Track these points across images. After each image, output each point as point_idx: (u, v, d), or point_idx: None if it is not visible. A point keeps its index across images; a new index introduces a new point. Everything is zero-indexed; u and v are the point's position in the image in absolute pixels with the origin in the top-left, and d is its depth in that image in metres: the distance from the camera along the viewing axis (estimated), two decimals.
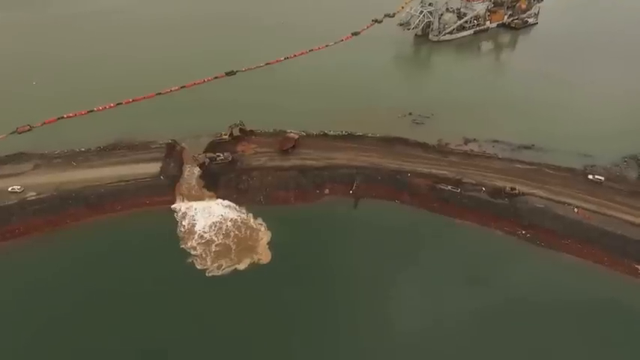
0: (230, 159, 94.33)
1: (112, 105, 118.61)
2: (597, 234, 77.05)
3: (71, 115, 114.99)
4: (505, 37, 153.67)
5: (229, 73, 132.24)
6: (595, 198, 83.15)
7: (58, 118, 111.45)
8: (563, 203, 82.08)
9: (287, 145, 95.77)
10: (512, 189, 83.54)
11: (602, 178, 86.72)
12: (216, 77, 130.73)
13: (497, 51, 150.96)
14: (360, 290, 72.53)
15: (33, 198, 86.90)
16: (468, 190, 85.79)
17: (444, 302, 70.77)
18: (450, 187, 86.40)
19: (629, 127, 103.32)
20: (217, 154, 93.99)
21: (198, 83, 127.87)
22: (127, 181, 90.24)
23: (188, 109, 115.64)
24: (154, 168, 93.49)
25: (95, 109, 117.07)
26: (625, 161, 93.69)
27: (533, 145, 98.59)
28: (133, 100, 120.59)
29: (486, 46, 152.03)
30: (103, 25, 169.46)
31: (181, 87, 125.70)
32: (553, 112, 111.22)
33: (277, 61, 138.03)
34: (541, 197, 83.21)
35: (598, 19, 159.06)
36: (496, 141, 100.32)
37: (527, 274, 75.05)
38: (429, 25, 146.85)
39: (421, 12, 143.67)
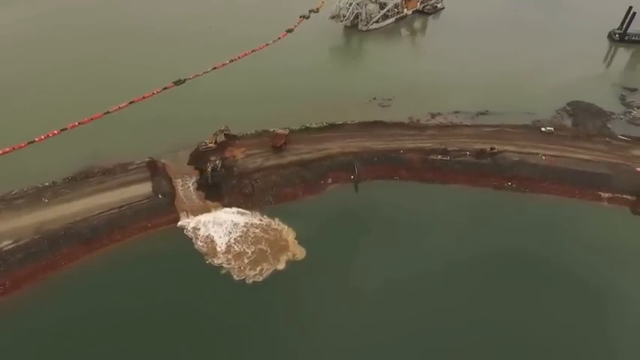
0: (220, 165, 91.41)
1: (55, 132, 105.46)
2: (564, 173, 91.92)
3: (8, 150, 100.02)
4: (422, 22, 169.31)
5: (178, 82, 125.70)
6: (552, 145, 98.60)
7: None
8: (532, 154, 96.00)
9: (279, 142, 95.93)
10: (492, 148, 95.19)
11: (552, 129, 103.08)
12: (165, 88, 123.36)
13: (420, 34, 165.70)
14: (398, 263, 77.04)
15: (11, 247, 74.96)
16: (455, 156, 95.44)
17: (464, 253, 78.60)
18: (439, 157, 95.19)
19: (547, 88, 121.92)
20: (215, 162, 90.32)
21: (148, 97, 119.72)
22: (120, 207, 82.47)
23: (146, 124, 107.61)
24: (144, 189, 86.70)
25: (36, 139, 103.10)
26: (558, 113, 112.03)
27: (487, 111, 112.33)
28: (80, 124, 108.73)
29: (408, 31, 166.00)
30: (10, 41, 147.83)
31: (130, 102, 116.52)
32: (485, 81, 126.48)
33: (223, 64, 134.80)
34: (514, 152, 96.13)
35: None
36: (457, 112, 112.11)
37: (521, 217, 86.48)
38: (357, 16, 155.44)
39: (350, 4, 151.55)
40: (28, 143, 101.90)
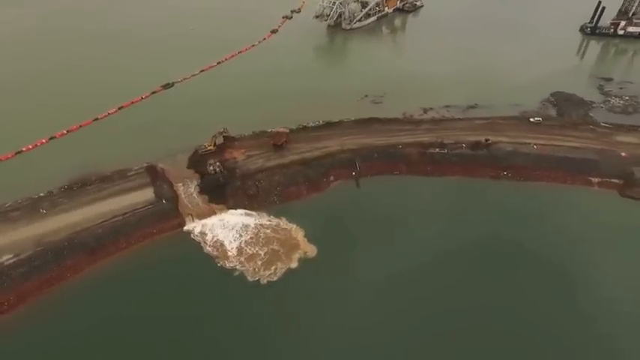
0: (220, 167, 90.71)
1: (43, 141, 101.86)
2: (556, 161, 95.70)
3: None
4: (403, 20, 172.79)
5: (166, 86, 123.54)
6: (542, 134, 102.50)
7: None
8: (524, 143, 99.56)
9: (280, 140, 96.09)
10: (487, 140, 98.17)
11: (540, 119, 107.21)
12: (153, 92, 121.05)
13: (402, 32, 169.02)
14: (408, 254, 78.33)
15: (12, 261, 72.06)
16: (452, 149, 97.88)
17: (470, 242, 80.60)
18: (437, 150, 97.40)
19: (530, 81, 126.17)
20: (216, 165, 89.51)
21: (137, 101, 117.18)
22: (124, 214, 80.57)
23: (138, 129, 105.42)
24: (146, 194, 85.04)
25: (23, 149, 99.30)
26: (543, 104, 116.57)
27: (476, 104, 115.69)
28: (68, 131, 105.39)
29: (390, 29, 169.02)
30: None
31: (119, 108, 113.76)
32: (470, 76, 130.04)
33: (211, 67, 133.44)
34: (507, 142, 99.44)
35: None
36: (447, 106, 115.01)
37: (520, 204, 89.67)
38: (340, 15, 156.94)
39: (333, 3, 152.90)
40: (16, 153, 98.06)
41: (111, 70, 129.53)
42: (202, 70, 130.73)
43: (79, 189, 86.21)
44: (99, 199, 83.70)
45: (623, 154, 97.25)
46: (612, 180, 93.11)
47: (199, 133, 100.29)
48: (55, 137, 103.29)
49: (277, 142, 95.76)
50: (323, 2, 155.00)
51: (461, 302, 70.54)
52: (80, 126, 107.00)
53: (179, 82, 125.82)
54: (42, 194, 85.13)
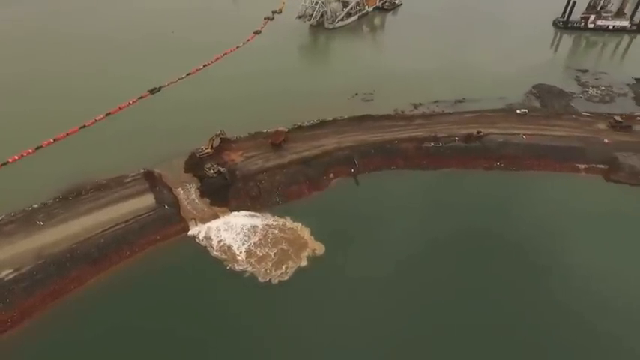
0: (218, 169, 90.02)
1: (29, 151, 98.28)
2: (544, 150, 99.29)
3: None
4: (383, 18, 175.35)
5: (153, 91, 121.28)
6: (529, 125, 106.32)
7: None
8: (514, 134, 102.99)
9: (279, 139, 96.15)
10: (479, 132, 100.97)
11: (526, 110, 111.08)
12: (140, 97, 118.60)
13: (384, 30, 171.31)
14: (414, 246, 79.89)
15: (13, 275, 69.37)
16: (446, 142, 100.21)
17: (471, 227, 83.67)
18: (432, 144, 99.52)
19: (511, 74, 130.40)
20: (213, 166, 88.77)
21: (124, 107, 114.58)
22: (126, 222, 78.81)
23: (129, 135, 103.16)
24: (146, 201, 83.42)
25: (9, 160, 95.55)
26: (527, 96, 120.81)
27: (464, 99, 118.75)
28: (55, 140, 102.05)
29: (372, 27, 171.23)
30: None
31: (106, 114, 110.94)
32: (455, 71, 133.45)
33: (197, 70, 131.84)
34: (497, 134, 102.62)
35: None
36: (436, 101, 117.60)
37: (514, 193, 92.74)
38: (323, 15, 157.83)
39: (316, 3, 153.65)
40: (1, 165, 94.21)
41: (94, 76, 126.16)
42: (189, 74, 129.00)
43: (74, 199, 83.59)
44: (97, 208, 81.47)
45: (605, 140, 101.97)
46: (598, 166, 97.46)
47: (191, 137, 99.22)
48: (41, 147, 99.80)
49: (276, 141, 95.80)
50: (305, 2, 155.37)
51: (467, 289, 72.57)
52: (67, 134, 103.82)
53: (166, 86, 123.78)
54: (35, 206, 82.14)
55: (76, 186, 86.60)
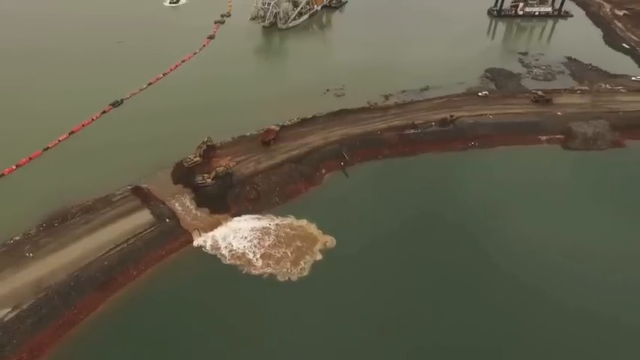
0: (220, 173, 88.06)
1: None
2: (510, 127, 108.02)
3: None
4: (332, 16, 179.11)
5: (115, 104, 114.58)
6: (492, 106, 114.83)
7: None
8: (481, 115, 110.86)
9: (269, 137, 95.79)
10: (452, 116, 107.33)
11: (487, 92, 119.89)
12: (103, 112, 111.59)
13: (335, 27, 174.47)
14: (420, 231, 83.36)
15: (14, 314, 63.01)
16: (424, 128, 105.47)
17: (463, 202, 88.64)
18: (412, 131, 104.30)
19: (463, 61, 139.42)
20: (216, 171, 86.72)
21: (87, 124, 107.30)
22: (128, 241, 74.45)
23: (99, 153, 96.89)
24: (143, 217, 79.36)
25: None
26: (482, 80, 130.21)
27: (428, 87, 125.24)
28: (17, 167, 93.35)
29: (323, 25, 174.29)
30: None
31: (70, 133, 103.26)
32: (412, 62, 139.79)
33: (158, 78, 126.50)
34: (467, 116, 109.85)
35: None
36: (404, 91, 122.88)
37: (490, 168, 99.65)
38: (275, 15, 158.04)
39: (268, 4, 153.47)
40: None
41: (49, 93, 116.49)
42: (150, 84, 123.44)
43: (60, 224, 77.27)
44: (91, 231, 76.04)
45: (559, 113, 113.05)
46: (556, 136, 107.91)
47: (168, 148, 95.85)
48: (3, 175, 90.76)
49: (265, 139, 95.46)
50: (257, 4, 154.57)
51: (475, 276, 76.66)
52: (30, 158, 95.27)
53: (128, 98, 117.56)
54: (17, 238, 74.77)
55: (57, 211, 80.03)
